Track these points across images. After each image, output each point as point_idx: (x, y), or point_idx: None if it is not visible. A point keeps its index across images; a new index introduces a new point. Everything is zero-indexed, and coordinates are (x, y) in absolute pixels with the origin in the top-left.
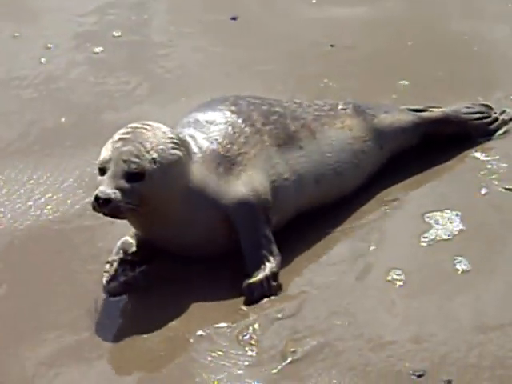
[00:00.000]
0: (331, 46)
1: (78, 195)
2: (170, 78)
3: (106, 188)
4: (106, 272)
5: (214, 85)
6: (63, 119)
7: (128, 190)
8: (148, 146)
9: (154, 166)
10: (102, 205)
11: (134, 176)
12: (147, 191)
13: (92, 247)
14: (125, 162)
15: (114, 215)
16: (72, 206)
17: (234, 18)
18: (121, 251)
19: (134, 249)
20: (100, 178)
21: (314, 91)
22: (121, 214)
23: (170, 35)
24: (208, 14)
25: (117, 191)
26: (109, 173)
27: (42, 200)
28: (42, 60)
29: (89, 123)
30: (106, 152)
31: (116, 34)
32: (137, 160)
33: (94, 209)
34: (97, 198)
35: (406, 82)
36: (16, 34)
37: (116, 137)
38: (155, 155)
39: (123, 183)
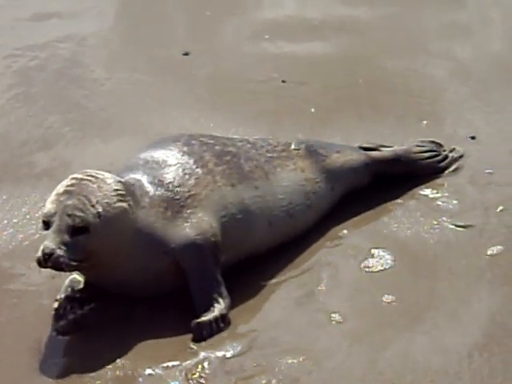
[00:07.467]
0: (283, 81)
1: (27, 232)
2: (119, 114)
3: (51, 243)
4: (54, 310)
5: (165, 121)
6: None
7: (72, 245)
8: (93, 199)
9: (99, 220)
10: (47, 260)
11: (78, 230)
12: (92, 245)
13: (41, 284)
14: (69, 216)
15: (58, 269)
16: (21, 242)
17: (186, 54)
18: (69, 289)
19: (81, 286)
20: (45, 232)
21: (265, 127)
22: (64, 269)
23: (121, 71)
24: (160, 49)
25: (62, 246)
26: (53, 227)
27: None
28: None
29: (37, 159)
30: (50, 205)
31: (65, 68)
32: (81, 214)
33: (40, 263)
34: (43, 253)
35: (357, 119)
36: None
37: (61, 189)
38: (100, 209)
39: (67, 238)
